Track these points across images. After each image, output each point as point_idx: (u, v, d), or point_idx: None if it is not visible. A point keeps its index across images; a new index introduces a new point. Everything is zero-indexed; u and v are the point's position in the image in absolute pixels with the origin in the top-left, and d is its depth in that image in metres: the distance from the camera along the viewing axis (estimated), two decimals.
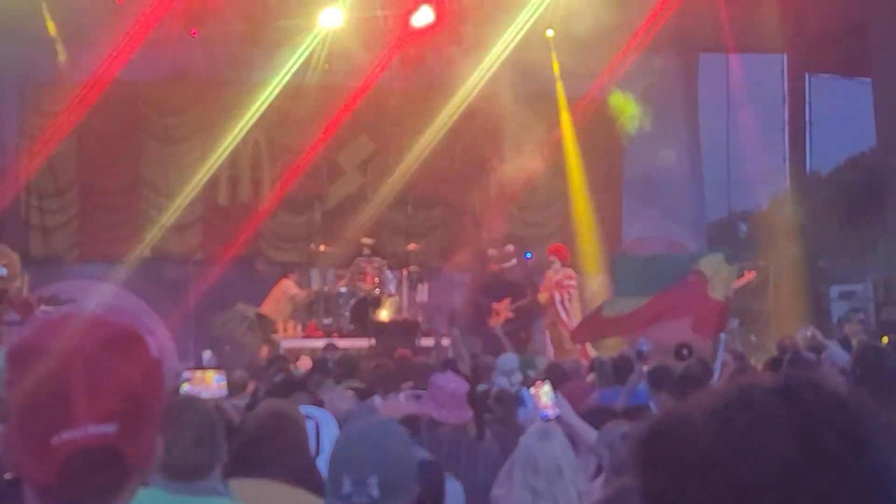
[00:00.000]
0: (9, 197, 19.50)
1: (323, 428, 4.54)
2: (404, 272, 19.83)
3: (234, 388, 9.07)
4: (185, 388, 5.08)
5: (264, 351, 18.52)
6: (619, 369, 10.30)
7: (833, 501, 1.33)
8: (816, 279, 21.50)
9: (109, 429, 1.83)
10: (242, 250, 19.98)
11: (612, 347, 15.69)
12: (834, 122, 23.10)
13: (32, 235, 20.43)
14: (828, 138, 23.20)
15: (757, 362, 13.08)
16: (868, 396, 1.42)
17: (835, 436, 1.34)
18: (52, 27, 19.06)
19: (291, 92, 19.89)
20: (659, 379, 8.68)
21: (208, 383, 5.31)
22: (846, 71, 22.86)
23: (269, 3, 19.65)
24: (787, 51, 23.13)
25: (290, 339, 18.93)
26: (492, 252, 19.84)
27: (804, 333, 13.20)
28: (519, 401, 8.63)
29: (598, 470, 5.98)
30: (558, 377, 10.61)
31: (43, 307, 16.00)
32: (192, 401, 4.29)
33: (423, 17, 18.85)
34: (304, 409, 4.72)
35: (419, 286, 20.13)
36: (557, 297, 18.27)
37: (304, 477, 4.25)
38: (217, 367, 6.06)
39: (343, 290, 19.38)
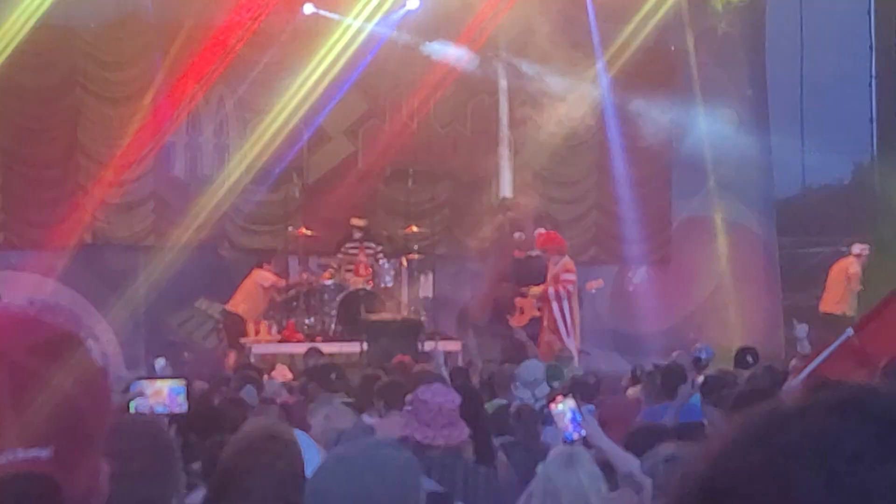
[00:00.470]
0: None
1: (304, 455, 4.53)
2: (403, 261, 19.84)
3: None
4: (136, 403, 5.07)
5: (231, 358, 18.56)
6: (670, 380, 10.27)
7: None
8: None
9: (42, 453, 1.82)
10: (204, 234, 19.98)
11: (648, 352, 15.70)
12: None
13: None
14: None
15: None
16: None
17: None
18: None
19: (263, 39, 19.87)
20: (712, 391, 8.67)
21: (163, 397, 5.30)
22: None
23: None
24: None
25: (264, 343, 18.96)
26: (518, 235, 19.82)
27: None
28: (544, 418, 8.63)
29: None
30: (588, 390, 10.62)
31: None
32: (143, 419, 4.29)
33: None
34: None
35: (422, 278, 20.16)
36: (552, 292, 18.27)
37: None
38: (175, 377, 6.08)
39: (329, 283, 19.39)
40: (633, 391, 11.39)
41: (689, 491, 1.36)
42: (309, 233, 19.77)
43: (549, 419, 6.95)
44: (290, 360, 17.45)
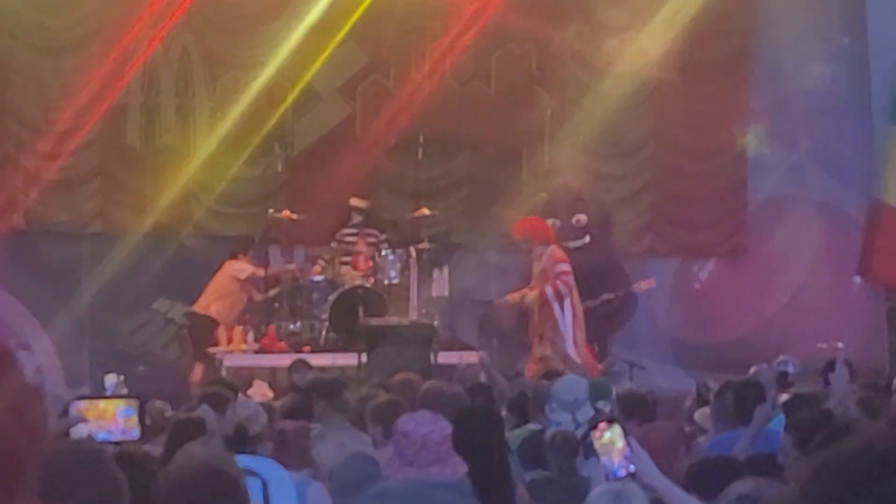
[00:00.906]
0: None
1: (272, 489, 4.55)
2: (412, 251, 19.85)
3: (151, 427, 9.11)
4: (78, 428, 5.08)
5: (197, 372, 18.60)
6: (745, 400, 10.25)
7: None
8: None
9: None
10: (164, 218, 20.01)
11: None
12: None
13: None
14: None
15: None
16: None
17: None
18: None
19: None
20: (797, 413, 8.65)
21: (111, 420, 5.32)
22: None
23: None
24: None
25: (238, 354, 18.99)
26: (554, 223, 19.79)
27: None
28: (585, 448, 8.63)
29: None
30: (641, 413, 10.62)
31: None
32: (83, 448, 4.30)
33: None
34: (246, 460, 4.74)
35: (435, 273, 20.14)
36: (550, 291, 18.12)
37: None
38: (125, 397, 6.05)
39: (319, 279, 19.42)
40: (700, 414, 11.38)
41: None
42: (295, 216, 19.77)
43: (590, 449, 6.93)
44: (271, 374, 17.49)
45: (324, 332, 19.00)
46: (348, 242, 19.76)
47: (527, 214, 20.00)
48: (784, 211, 22.02)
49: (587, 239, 19.85)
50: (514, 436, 9.93)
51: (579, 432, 9.49)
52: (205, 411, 10.20)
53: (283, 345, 18.90)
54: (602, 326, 19.44)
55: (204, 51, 20.93)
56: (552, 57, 21.56)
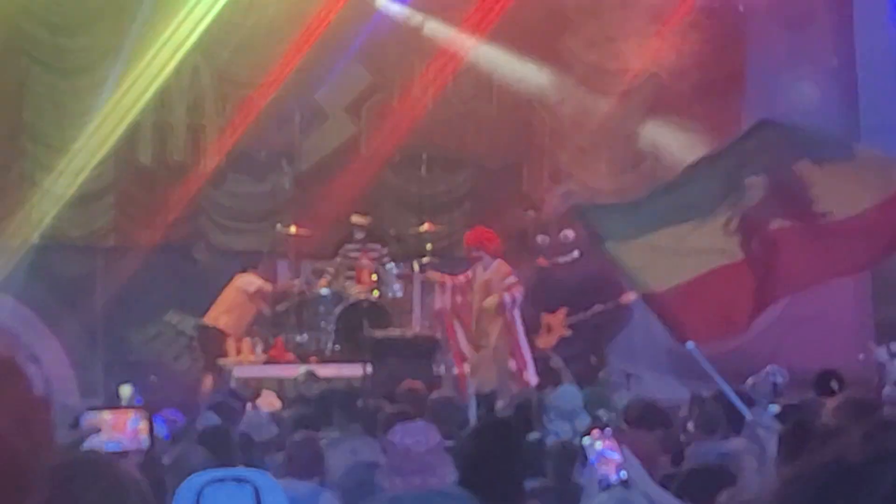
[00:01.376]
0: None
1: (264, 496, 4.54)
2: (415, 265, 19.83)
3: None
4: (90, 438, 5.06)
5: (207, 382, 18.59)
6: (734, 410, 10.26)
7: None
8: None
9: None
10: (176, 233, 20.00)
11: None
12: None
13: None
14: None
15: None
16: None
17: None
18: None
19: None
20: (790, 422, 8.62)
21: (122, 430, 5.30)
22: None
23: None
24: None
25: (247, 364, 18.98)
26: (542, 239, 19.80)
27: None
28: (580, 456, 8.61)
29: None
30: (652, 420, 10.59)
31: None
32: (93, 460, 4.28)
33: None
34: (236, 470, 4.73)
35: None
36: (508, 299, 17.97)
37: None
38: (136, 407, 6.04)
39: (325, 292, 19.40)
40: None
41: None
42: (302, 232, 19.77)
43: (584, 455, 6.91)
44: (279, 385, 17.46)
45: (330, 344, 18.99)
46: (353, 257, 19.77)
47: (521, 235, 20.09)
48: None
49: (576, 254, 19.76)
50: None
51: (577, 440, 9.48)
52: (209, 418, 10.22)
53: (290, 356, 18.90)
54: (596, 337, 19.44)
55: (214, 71, 20.95)
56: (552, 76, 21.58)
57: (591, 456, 6.46)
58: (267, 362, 19.03)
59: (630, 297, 19.54)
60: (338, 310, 19.07)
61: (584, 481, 7.59)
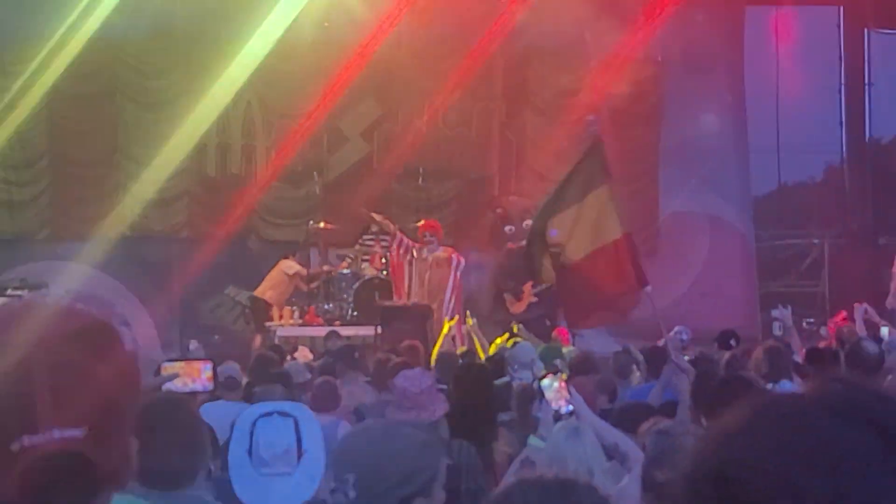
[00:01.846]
0: None
1: (303, 426, 4.51)
2: (415, 252, 19.81)
3: (225, 383, 9.09)
4: (170, 383, 5.04)
5: (257, 340, 18.57)
6: (654, 361, 10.27)
7: None
8: (876, 258, 21.42)
9: (76, 433, 1.81)
10: (233, 227, 19.99)
11: None
12: None
13: None
14: (889, 101, 23.05)
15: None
16: None
17: None
18: None
19: (287, 49, 19.85)
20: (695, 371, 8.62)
21: (192, 376, 5.27)
22: None
23: None
24: (844, 3, 22.99)
25: (287, 326, 18.97)
26: (508, 229, 19.84)
27: (860, 313, 13.15)
28: (537, 396, 8.62)
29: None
30: (586, 368, 10.60)
31: (9, 292, 16.04)
32: (172, 399, 4.27)
33: None
34: (280, 405, 4.70)
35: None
36: (455, 260, 18.08)
37: None
38: (203, 359, 6.08)
39: (346, 272, 19.39)
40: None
41: (700, 473, 1.35)
42: (329, 227, 19.75)
43: (540, 394, 6.94)
44: (311, 342, 17.43)
45: (349, 311, 18.97)
46: (368, 245, 19.78)
47: (487, 229, 20.18)
48: (685, 222, 22.01)
49: None
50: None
51: (535, 385, 9.47)
52: (231, 368, 10.12)
53: (320, 320, 18.86)
54: (550, 305, 19.43)
55: (262, 105, 20.97)
56: (516, 110, 21.60)
57: (547, 394, 6.48)
58: (302, 325, 19.01)
59: None
60: (355, 285, 19.05)
61: (540, 415, 7.59)
